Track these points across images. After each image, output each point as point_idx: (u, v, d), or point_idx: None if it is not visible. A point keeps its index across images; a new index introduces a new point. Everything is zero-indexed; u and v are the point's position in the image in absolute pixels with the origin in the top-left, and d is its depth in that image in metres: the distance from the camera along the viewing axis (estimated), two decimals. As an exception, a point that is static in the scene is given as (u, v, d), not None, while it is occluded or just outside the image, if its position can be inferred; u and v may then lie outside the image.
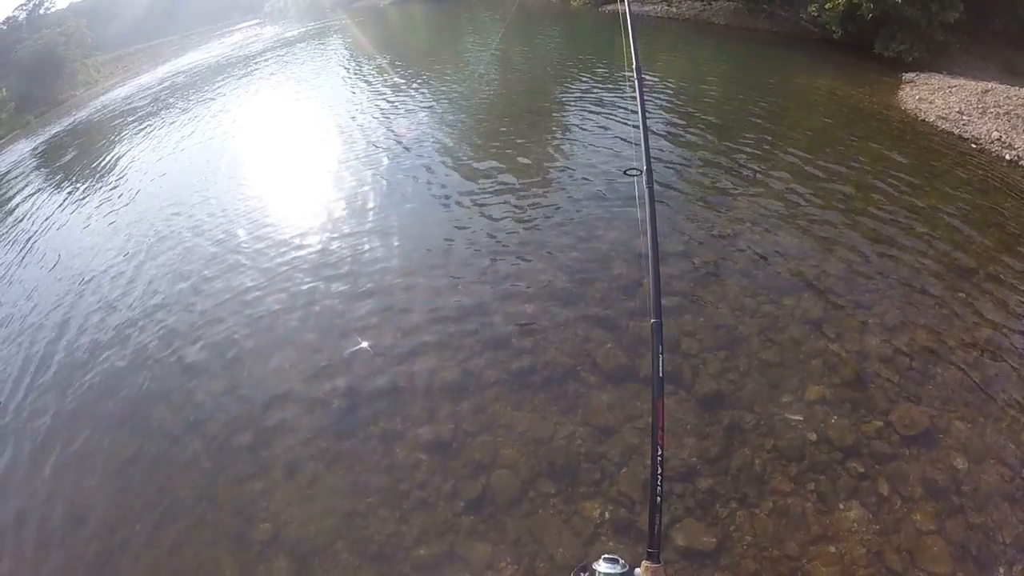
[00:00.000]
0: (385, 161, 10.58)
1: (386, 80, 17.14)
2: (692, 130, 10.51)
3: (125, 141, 17.51)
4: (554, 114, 12.05)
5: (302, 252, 7.84)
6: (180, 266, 8.29)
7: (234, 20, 51.56)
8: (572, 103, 12.39)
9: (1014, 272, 6.21)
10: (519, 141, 10.54)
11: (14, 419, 6.16)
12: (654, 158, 8.87)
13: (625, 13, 3.15)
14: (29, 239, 11.57)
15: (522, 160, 9.63)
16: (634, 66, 2.95)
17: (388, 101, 14.70)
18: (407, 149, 10.99)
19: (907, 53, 13.44)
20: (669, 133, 10.30)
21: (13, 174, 18.31)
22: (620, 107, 11.49)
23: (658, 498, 1.74)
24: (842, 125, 10.42)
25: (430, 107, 13.81)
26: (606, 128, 10.55)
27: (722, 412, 4.76)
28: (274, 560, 4.18)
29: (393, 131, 12.24)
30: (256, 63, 25.22)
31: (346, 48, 25.42)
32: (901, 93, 11.90)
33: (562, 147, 10.11)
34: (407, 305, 6.40)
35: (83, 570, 4.43)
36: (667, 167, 8.82)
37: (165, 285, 7.88)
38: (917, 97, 11.49)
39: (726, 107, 11.74)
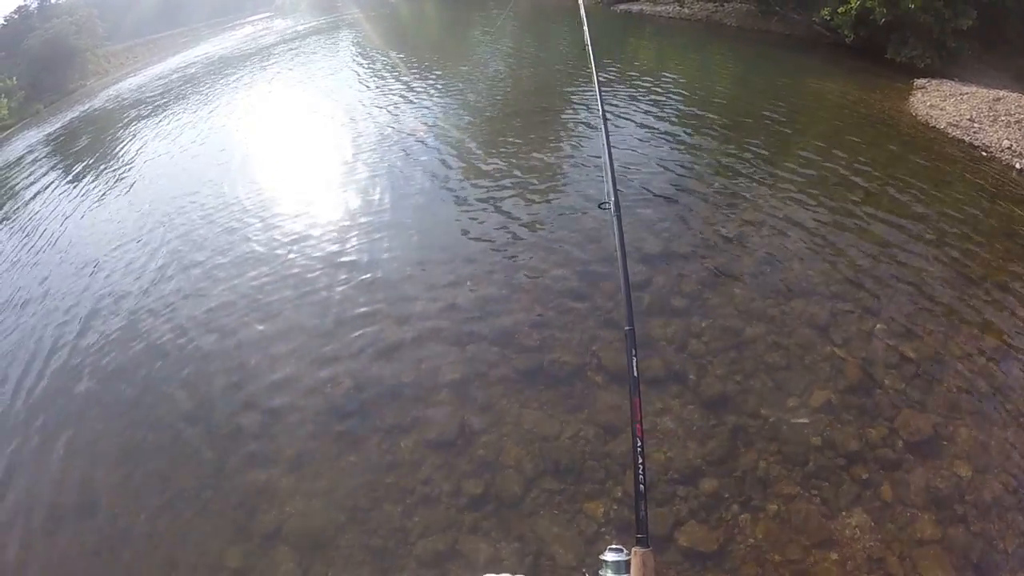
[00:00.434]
0: (395, 156, 10.60)
1: (397, 75, 17.14)
2: (702, 131, 10.50)
3: (136, 131, 17.58)
4: (565, 113, 12.05)
5: (308, 245, 7.88)
6: (190, 254, 8.33)
7: (245, 13, 51.67)
8: (582, 102, 12.37)
9: (1023, 281, 6.20)
10: (529, 139, 10.54)
11: (23, 404, 6.22)
12: (661, 159, 9.02)
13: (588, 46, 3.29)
14: (40, 225, 11.64)
15: (532, 158, 9.63)
16: (599, 101, 3.24)
17: (399, 96, 14.70)
18: (417, 144, 11.01)
19: (919, 59, 13.36)
20: (679, 135, 10.30)
21: (23, 162, 18.40)
22: (634, 106, 11.50)
23: (641, 486, 1.88)
24: (852, 130, 10.39)
25: (440, 103, 13.83)
26: (616, 128, 10.55)
27: (727, 415, 4.77)
28: (277, 552, 4.20)
29: (404, 126, 12.26)
30: (267, 56, 25.27)
31: (357, 43, 25.44)
32: (912, 99, 11.85)
33: (572, 146, 10.10)
34: (413, 300, 6.43)
35: (86, 558, 4.46)
36: (677, 168, 8.84)
37: (175, 272, 7.94)
38: (928, 103, 11.44)
39: (736, 109, 11.71)
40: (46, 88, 32.49)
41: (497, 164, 9.59)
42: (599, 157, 9.17)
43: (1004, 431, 4.55)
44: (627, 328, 2.21)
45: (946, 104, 11.25)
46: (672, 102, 12.17)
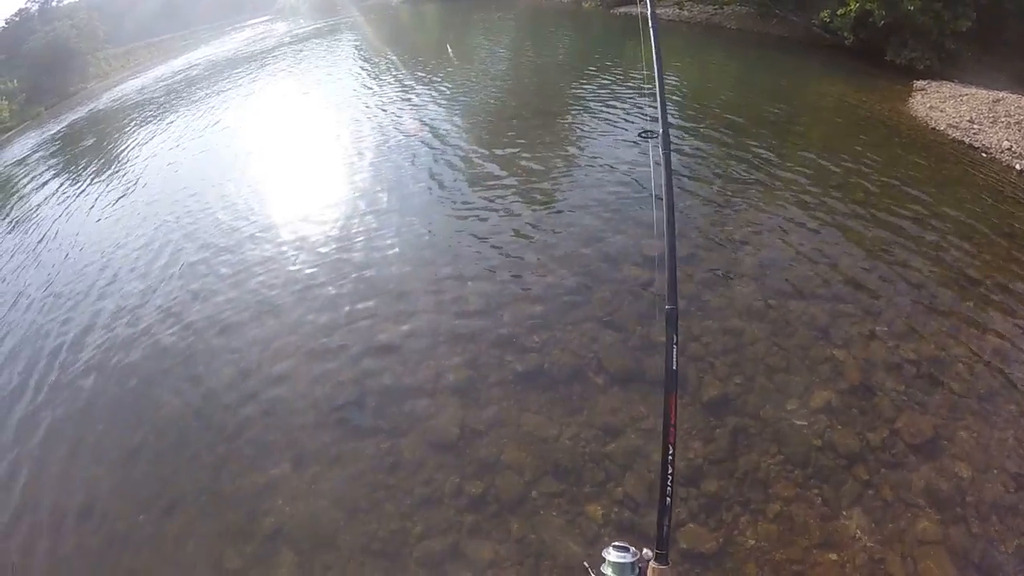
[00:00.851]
0: (396, 157, 10.63)
1: (397, 77, 17.19)
2: (700, 133, 10.51)
3: (137, 133, 17.60)
4: (564, 115, 12.06)
5: (310, 247, 7.91)
6: (194, 253, 8.39)
7: (245, 16, 51.70)
8: (582, 104, 12.40)
9: (1023, 282, 6.20)
10: (528, 141, 10.57)
11: (27, 401, 6.25)
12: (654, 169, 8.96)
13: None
14: (44, 225, 11.68)
15: (531, 161, 9.64)
16: (650, 25, 2.71)
17: (399, 97, 14.75)
18: (418, 145, 11.04)
19: (918, 61, 13.38)
20: (677, 136, 10.29)
21: (25, 164, 18.42)
22: (631, 110, 11.50)
23: (667, 498, 1.69)
24: (852, 132, 10.39)
25: (441, 105, 13.85)
26: (617, 130, 10.57)
27: (728, 416, 4.77)
28: (277, 554, 4.20)
29: (403, 127, 12.29)
30: (268, 58, 25.31)
31: (358, 45, 25.47)
32: (912, 101, 11.86)
33: (571, 148, 10.12)
34: (414, 301, 6.44)
35: (87, 560, 4.47)
36: (677, 168, 8.83)
37: (179, 272, 7.98)
38: (928, 105, 11.45)
39: (735, 111, 11.70)
40: (47, 91, 32.47)
41: (496, 166, 9.60)
42: (599, 156, 9.23)
43: (1005, 432, 4.55)
44: (668, 307, 1.81)
45: (946, 105, 11.25)
46: (672, 103, 12.17)
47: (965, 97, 11.50)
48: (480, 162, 9.97)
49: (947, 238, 6.97)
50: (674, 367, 1.72)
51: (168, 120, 17.97)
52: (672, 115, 11.35)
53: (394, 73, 17.93)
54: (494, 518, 4.22)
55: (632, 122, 10.88)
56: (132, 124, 19.11)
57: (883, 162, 9.05)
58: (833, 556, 3.81)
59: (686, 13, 21.50)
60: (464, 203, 8.53)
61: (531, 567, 3.89)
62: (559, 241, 7.21)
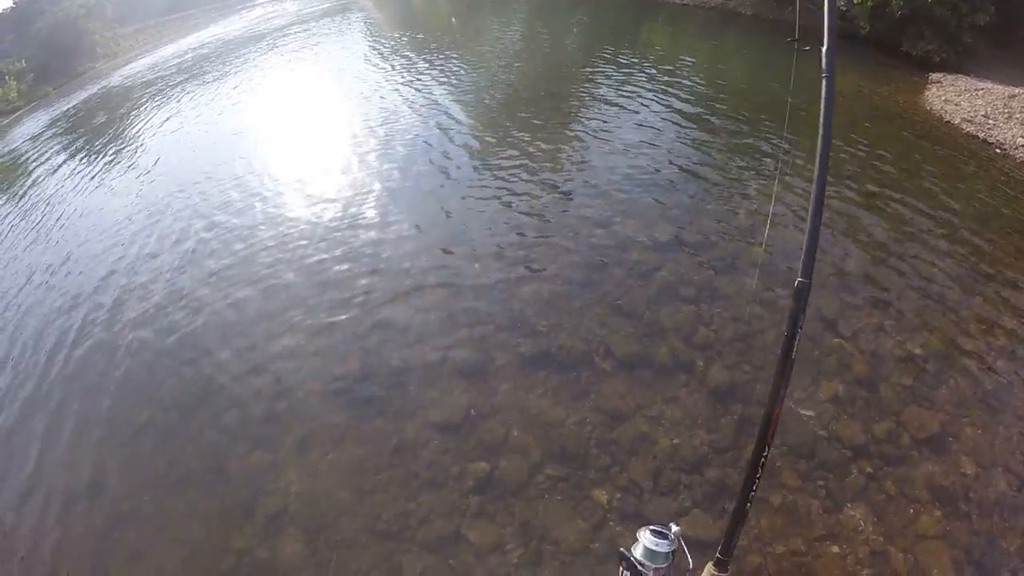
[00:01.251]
0: (407, 139, 10.51)
1: (408, 58, 17.01)
2: (715, 120, 10.39)
3: (147, 112, 17.53)
4: (576, 99, 11.95)
5: (321, 224, 7.89)
6: (203, 233, 8.35)
7: (255, -5, 51.28)
8: (595, 88, 12.28)
9: (1034, 279, 6.15)
10: (540, 123, 10.46)
11: (35, 382, 6.29)
12: (671, 147, 8.95)
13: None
14: (53, 204, 11.67)
15: (543, 144, 9.55)
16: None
17: (410, 78, 14.60)
18: (431, 124, 10.96)
19: (935, 53, 13.21)
20: (692, 123, 10.18)
21: (35, 143, 18.40)
22: (641, 96, 11.40)
23: (748, 503, 1.54)
24: (866, 122, 10.27)
25: (453, 86, 13.68)
26: (628, 116, 10.48)
27: (734, 404, 4.77)
28: (281, 534, 4.24)
29: (415, 106, 12.17)
30: (278, 37, 25.06)
31: (368, 25, 25.23)
32: (927, 93, 11.72)
33: (583, 133, 10.02)
34: (421, 283, 6.43)
35: (93, 538, 4.52)
36: (688, 155, 8.78)
37: (188, 251, 7.97)
38: (943, 98, 11.32)
39: (748, 99, 11.57)
40: (55, 71, 32.34)
41: (507, 148, 9.51)
42: (613, 146, 9.14)
43: (1010, 429, 4.54)
44: (799, 280, 1.52)
45: (961, 99, 11.13)
46: (686, 89, 12.02)
47: (980, 92, 11.36)
48: (491, 143, 9.91)
49: (959, 232, 6.92)
50: (793, 356, 1.55)
51: (178, 99, 17.89)
52: (678, 103, 11.19)
53: (405, 53, 17.78)
54: (498, 501, 4.24)
55: (647, 106, 10.79)
56: (142, 103, 19.03)
57: (896, 154, 8.96)
58: (835, 548, 3.83)
59: (701, -2, 21.19)
60: (475, 184, 8.47)
61: (534, 550, 3.92)
62: (569, 224, 7.16)
